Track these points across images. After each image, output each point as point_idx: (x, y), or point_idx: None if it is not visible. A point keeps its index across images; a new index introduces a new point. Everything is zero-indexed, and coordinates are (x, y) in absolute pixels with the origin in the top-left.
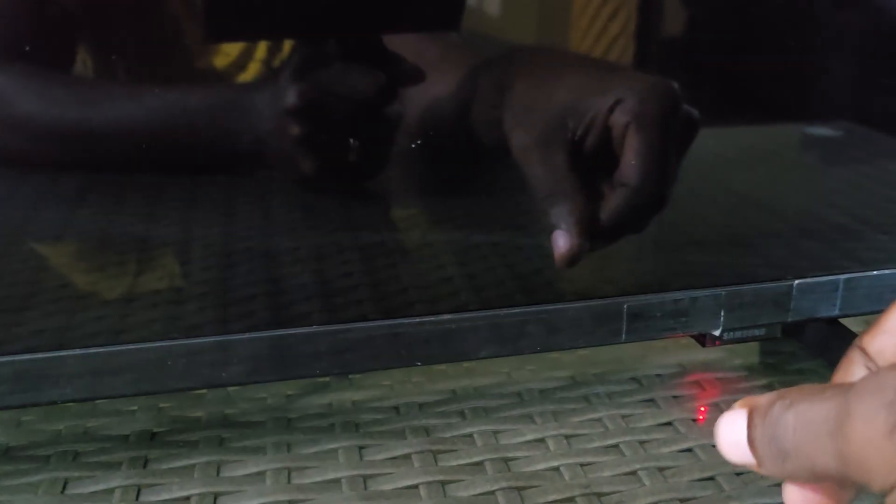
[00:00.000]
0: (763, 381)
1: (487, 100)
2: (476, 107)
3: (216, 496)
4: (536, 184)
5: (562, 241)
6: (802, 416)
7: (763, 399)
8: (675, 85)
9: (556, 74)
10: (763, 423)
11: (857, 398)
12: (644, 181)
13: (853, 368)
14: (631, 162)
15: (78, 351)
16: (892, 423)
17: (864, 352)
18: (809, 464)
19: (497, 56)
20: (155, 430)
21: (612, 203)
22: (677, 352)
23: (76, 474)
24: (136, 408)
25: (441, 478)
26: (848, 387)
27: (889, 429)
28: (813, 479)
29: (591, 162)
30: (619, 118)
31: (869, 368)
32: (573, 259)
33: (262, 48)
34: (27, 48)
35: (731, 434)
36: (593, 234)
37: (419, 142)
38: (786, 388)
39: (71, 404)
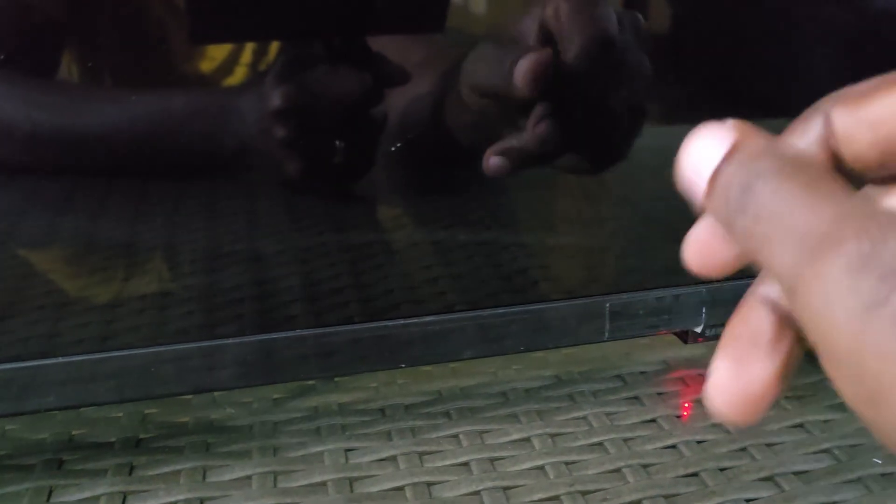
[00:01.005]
0: None
1: (460, 99)
2: (455, 107)
3: (202, 501)
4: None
5: (527, 58)
6: (786, 204)
7: (758, 143)
8: None
9: (493, 44)
10: (742, 169)
11: (843, 247)
12: (584, 30)
13: (806, 138)
14: (567, 22)
15: (62, 359)
16: (872, 298)
17: (829, 123)
18: (758, 254)
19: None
20: (140, 436)
21: (567, 64)
22: (661, 349)
23: (61, 482)
24: (121, 414)
25: (427, 479)
26: (847, 206)
27: (866, 305)
28: (754, 262)
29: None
30: (548, 11)
31: (825, 146)
32: (542, 69)
33: (246, 51)
34: (12, 55)
35: (702, 153)
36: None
37: (404, 142)
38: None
39: (55, 412)
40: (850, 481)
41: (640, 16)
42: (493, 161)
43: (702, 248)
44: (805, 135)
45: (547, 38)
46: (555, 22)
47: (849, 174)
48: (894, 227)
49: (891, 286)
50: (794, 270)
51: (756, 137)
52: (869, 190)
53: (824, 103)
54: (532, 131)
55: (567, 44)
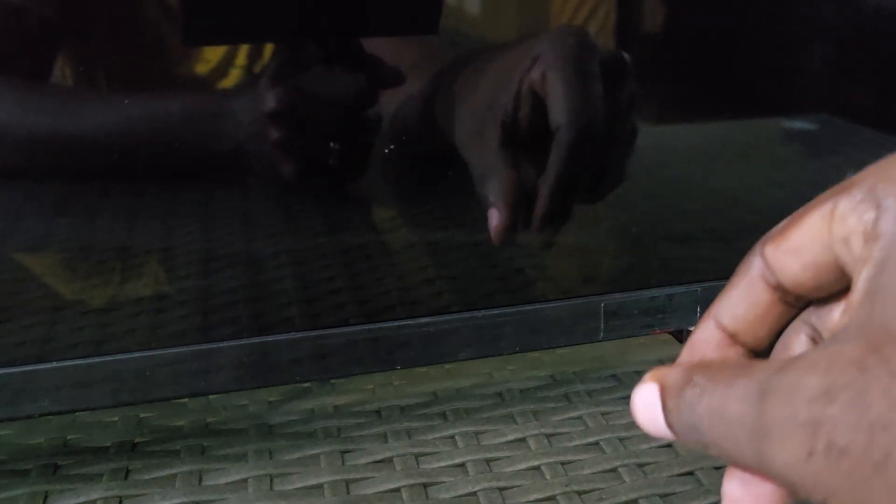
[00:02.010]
0: None
1: (447, 102)
2: (448, 108)
3: None
4: (473, 170)
5: (494, 217)
6: (715, 412)
7: (672, 377)
8: (585, 29)
9: (482, 69)
10: (676, 407)
11: (772, 409)
12: (572, 116)
13: (751, 274)
14: (556, 104)
15: (56, 363)
16: (810, 446)
17: (764, 260)
18: (734, 461)
19: (452, 60)
20: (136, 440)
21: (553, 154)
22: (656, 348)
23: (57, 487)
24: (116, 418)
25: (423, 480)
26: (762, 374)
27: (806, 452)
28: (744, 469)
29: (529, 134)
30: (535, 74)
31: (766, 280)
32: (507, 232)
33: (241, 54)
34: (5, 57)
35: (647, 412)
36: (541, 197)
37: (399, 144)
38: (693, 364)
39: (50, 417)
40: None
41: (625, 56)
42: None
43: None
44: (748, 273)
45: (533, 99)
46: (541, 88)
47: (794, 299)
48: (789, 388)
49: (813, 433)
50: (756, 459)
51: (670, 374)
52: (812, 309)
53: (758, 245)
54: (538, 204)
55: (554, 112)
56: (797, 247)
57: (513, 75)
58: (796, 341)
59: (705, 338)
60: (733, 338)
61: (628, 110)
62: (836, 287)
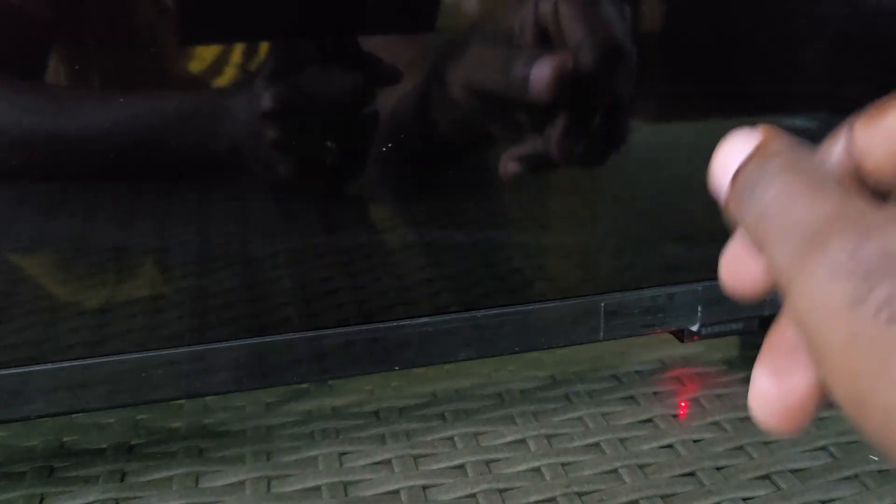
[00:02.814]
0: (743, 375)
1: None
2: (447, 106)
3: None
4: (506, 77)
5: (544, 63)
6: (786, 202)
7: (776, 145)
8: None
9: (488, 30)
10: (755, 169)
11: (828, 246)
12: (588, 33)
13: (833, 150)
14: (571, 25)
15: (52, 365)
16: (852, 296)
17: (852, 137)
18: (763, 252)
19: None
20: (132, 442)
21: (576, 74)
22: (657, 348)
23: (53, 490)
24: (112, 420)
25: (422, 482)
26: (842, 206)
27: (847, 303)
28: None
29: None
30: (546, 7)
31: (850, 159)
32: (559, 76)
33: (237, 52)
34: None
35: (728, 156)
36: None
37: (396, 142)
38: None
39: (46, 419)
40: (847, 478)
41: (626, 6)
42: (510, 167)
43: (733, 267)
44: (833, 148)
45: (543, 36)
46: (553, 21)
47: (875, 186)
48: (879, 228)
49: (870, 285)
50: (787, 267)
51: (777, 140)
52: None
53: (850, 120)
54: (548, 139)
55: (569, 44)
56: (890, 132)
57: (523, 17)
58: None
59: None
60: None
61: (633, 61)
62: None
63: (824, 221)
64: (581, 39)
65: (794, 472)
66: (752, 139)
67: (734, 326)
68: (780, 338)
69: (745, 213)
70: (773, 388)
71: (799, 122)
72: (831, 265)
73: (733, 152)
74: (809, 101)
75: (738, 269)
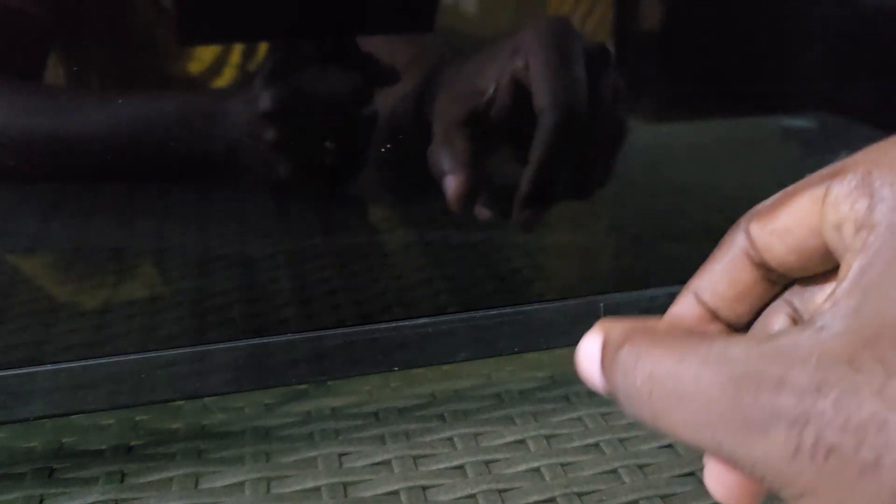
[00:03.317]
0: None
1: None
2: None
3: None
4: (433, 149)
5: (450, 182)
6: (659, 383)
7: (615, 332)
8: (567, 17)
9: (466, 60)
10: (611, 366)
11: (753, 398)
12: (556, 99)
13: (733, 251)
14: (539, 88)
15: (51, 366)
16: (796, 443)
17: (749, 238)
18: (688, 442)
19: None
20: (132, 443)
21: (538, 138)
22: None
23: (52, 491)
24: (112, 421)
25: (422, 483)
26: (715, 350)
27: (792, 449)
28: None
29: (510, 126)
30: (519, 62)
31: (750, 258)
32: (463, 197)
33: (235, 53)
34: None
35: (586, 363)
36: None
37: (395, 143)
38: (637, 324)
39: (45, 420)
40: None
41: (608, 48)
42: (482, 213)
43: (725, 484)
44: (731, 250)
45: (516, 88)
46: (525, 77)
47: (777, 277)
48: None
49: (798, 429)
50: (731, 460)
51: (614, 328)
52: (795, 289)
53: (743, 220)
54: (520, 188)
55: (539, 100)
56: (784, 228)
57: (495, 64)
58: (776, 320)
59: (683, 312)
60: (713, 314)
61: (614, 102)
62: (821, 268)
63: (719, 392)
64: (549, 103)
65: None
66: (595, 340)
67: None
68: None
69: (646, 417)
70: (725, 472)
71: (797, 122)
72: (763, 423)
73: (590, 353)
74: (807, 102)
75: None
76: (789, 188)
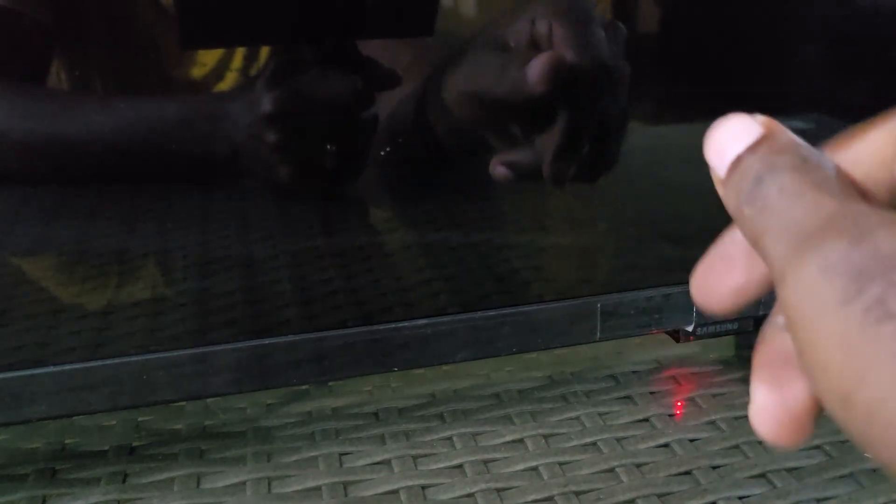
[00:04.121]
0: (739, 374)
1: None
2: (444, 110)
3: None
4: (499, 82)
5: (540, 59)
6: (789, 199)
7: (781, 140)
8: None
9: (482, 44)
10: (759, 161)
11: (823, 245)
12: (578, 49)
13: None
14: (565, 43)
15: (54, 368)
16: (842, 296)
17: (838, 149)
18: (757, 245)
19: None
20: (134, 444)
21: (565, 94)
22: (653, 348)
23: (55, 492)
24: (114, 422)
25: (421, 482)
26: (842, 207)
27: (837, 301)
28: (753, 246)
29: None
30: (541, 29)
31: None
32: (557, 69)
33: (237, 57)
34: (1, 62)
35: (728, 138)
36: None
37: (395, 145)
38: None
39: (48, 421)
40: (842, 477)
41: (621, 25)
42: (499, 170)
43: (710, 278)
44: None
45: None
46: (546, 41)
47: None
48: (873, 230)
49: (860, 285)
50: (782, 263)
51: (784, 135)
52: None
53: (822, 145)
54: (540, 149)
55: (564, 51)
56: (854, 160)
57: (517, 37)
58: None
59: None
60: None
61: (626, 80)
62: (886, 204)
63: (822, 221)
64: (574, 61)
65: (789, 470)
66: (755, 128)
67: (729, 326)
68: (773, 349)
69: (744, 202)
70: (774, 401)
71: (794, 123)
72: (824, 263)
73: (734, 137)
74: (805, 103)
75: (716, 279)
76: (870, 120)
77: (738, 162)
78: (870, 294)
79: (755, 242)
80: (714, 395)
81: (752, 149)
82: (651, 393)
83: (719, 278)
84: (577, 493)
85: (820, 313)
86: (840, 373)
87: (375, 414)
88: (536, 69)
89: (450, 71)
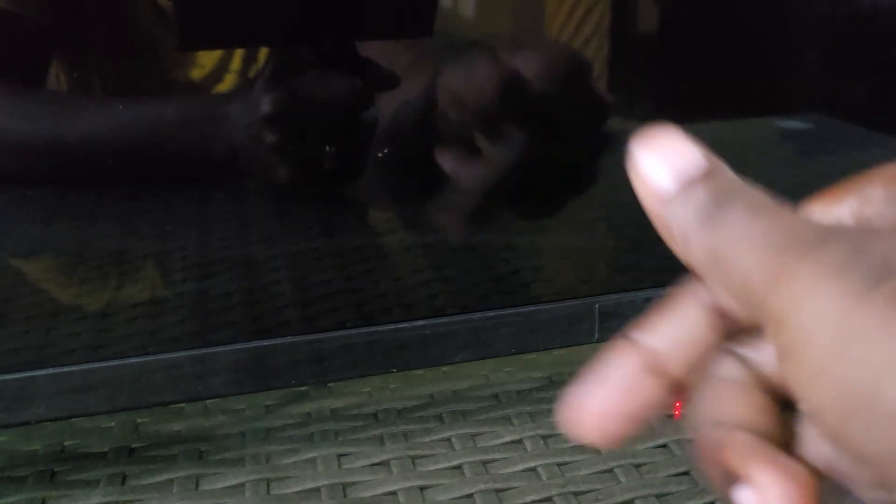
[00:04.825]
0: None
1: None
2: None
3: None
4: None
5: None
6: (762, 222)
7: (733, 175)
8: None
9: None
10: (720, 188)
11: (829, 248)
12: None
13: (625, 364)
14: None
15: (53, 370)
16: (862, 287)
17: (638, 349)
18: (717, 267)
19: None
20: (133, 445)
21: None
22: None
23: (54, 493)
24: (113, 424)
25: (420, 483)
26: (822, 226)
27: (857, 293)
28: (723, 290)
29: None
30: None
31: (650, 366)
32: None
33: (236, 59)
34: (1, 65)
35: (672, 164)
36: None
37: (394, 146)
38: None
39: (47, 423)
40: None
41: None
42: (443, 161)
43: (585, 407)
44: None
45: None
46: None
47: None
48: (871, 237)
49: (880, 277)
50: (772, 270)
51: (727, 169)
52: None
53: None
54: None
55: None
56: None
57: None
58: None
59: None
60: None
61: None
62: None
63: (814, 232)
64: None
65: None
66: (700, 154)
67: None
68: (740, 441)
69: (702, 222)
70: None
71: (792, 123)
72: (836, 263)
73: (680, 156)
74: (803, 103)
75: (594, 407)
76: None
77: (694, 184)
78: (890, 285)
79: (712, 260)
80: None
81: (709, 175)
82: None
83: (606, 405)
84: (576, 494)
85: (842, 301)
86: (864, 359)
87: (374, 415)
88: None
89: (443, 75)
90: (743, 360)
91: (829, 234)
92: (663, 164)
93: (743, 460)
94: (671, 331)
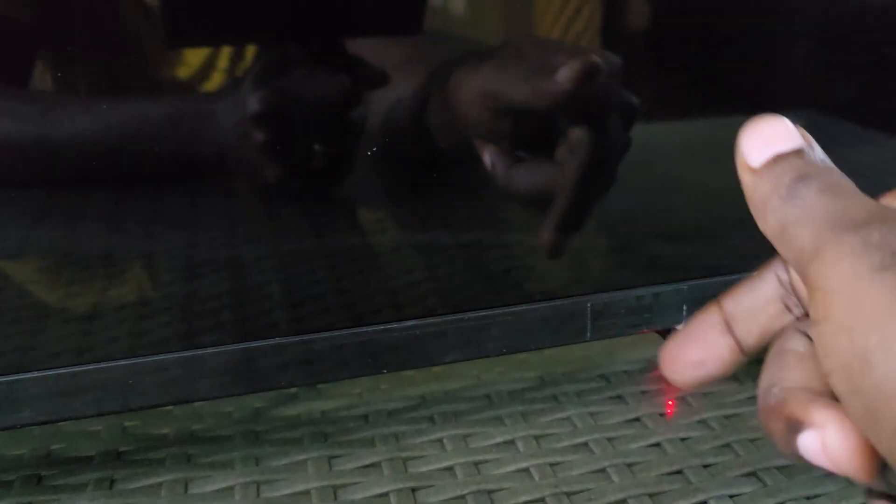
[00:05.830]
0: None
1: (444, 100)
2: (436, 108)
3: None
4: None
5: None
6: (828, 197)
7: (821, 153)
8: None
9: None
10: (804, 163)
11: (864, 229)
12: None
13: (708, 322)
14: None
15: (38, 373)
16: (879, 263)
17: (722, 312)
18: (784, 234)
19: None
20: (120, 449)
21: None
22: (644, 347)
23: (41, 498)
24: (100, 428)
25: (411, 484)
26: (878, 210)
27: (874, 267)
28: (781, 246)
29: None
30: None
31: (728, 328)
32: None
33: (223, 56)
34: None
35: (775, 136)
36: None
37: (384, 145)
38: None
39: (33, 427)
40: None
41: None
42: (490, 161)
43: (677, 352)
44: (705, 321)
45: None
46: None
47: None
48: None
49: (891, 262)
50: (817, 243)
51: (818, 150)
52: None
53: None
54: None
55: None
56: (754, 306)
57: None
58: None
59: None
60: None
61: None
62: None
63: (864, 214)
64: (606, 72)
65: (779, 468)
66: (797, 136)
67: None
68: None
69: (780, 194)
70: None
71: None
72: (866, 240)
73: (779, 135)
74: (796, 100)
75: (684, 353)
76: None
77: (780, 158)
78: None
79: (781, 230)
80: (704, 394)
81: (797, 153)
82: (642, 392)
83: (687, 353)
84: (569, 494)
85: (856, 278)
86: (864, 331)
87: (365, 416)
88: (571, 68)
89: (463, 73)
90: (808, 336)
91: (876, 218)
92: (758, 140)
93: (805, 408)
94: (747, 301)
